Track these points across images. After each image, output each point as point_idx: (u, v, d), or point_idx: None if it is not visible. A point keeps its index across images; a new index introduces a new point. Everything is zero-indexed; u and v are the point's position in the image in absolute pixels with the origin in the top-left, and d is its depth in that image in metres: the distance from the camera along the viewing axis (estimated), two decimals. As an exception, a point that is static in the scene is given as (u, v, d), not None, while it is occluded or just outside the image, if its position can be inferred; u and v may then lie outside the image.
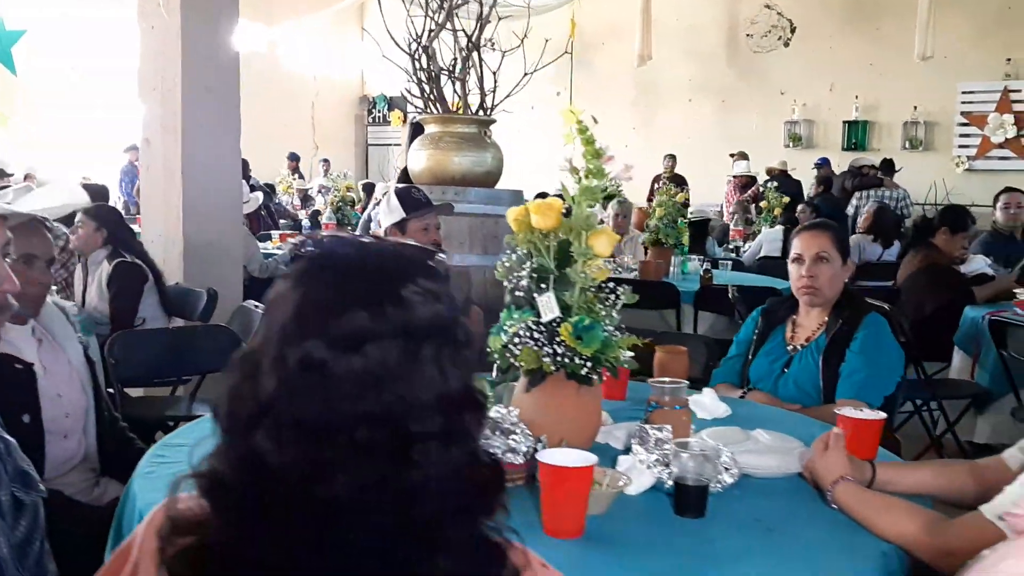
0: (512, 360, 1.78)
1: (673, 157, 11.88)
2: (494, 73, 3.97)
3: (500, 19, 3.89)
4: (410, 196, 2.90)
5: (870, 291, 4.13)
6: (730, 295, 4.45)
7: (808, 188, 10.78)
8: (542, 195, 9.99)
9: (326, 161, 12.68)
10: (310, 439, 0.75)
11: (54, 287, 3.69)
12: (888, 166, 9.58)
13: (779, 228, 6.96)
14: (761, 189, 8.83)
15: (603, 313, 1.81)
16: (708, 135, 13.24)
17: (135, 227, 4.97)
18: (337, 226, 7.45)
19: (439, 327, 0.80)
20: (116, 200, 9.22)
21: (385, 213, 2.96)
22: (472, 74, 3.85)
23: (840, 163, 11.29)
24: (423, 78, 3.78)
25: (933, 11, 10.59)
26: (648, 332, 3.60)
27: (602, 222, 1.90)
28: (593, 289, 1.84)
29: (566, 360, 1.75)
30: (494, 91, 3.90)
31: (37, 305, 2.06)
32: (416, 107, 3.91)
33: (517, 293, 1.83)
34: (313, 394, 0.76)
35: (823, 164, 11.13)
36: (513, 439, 1.64)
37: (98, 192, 6.25)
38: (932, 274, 4.59)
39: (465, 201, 3.69)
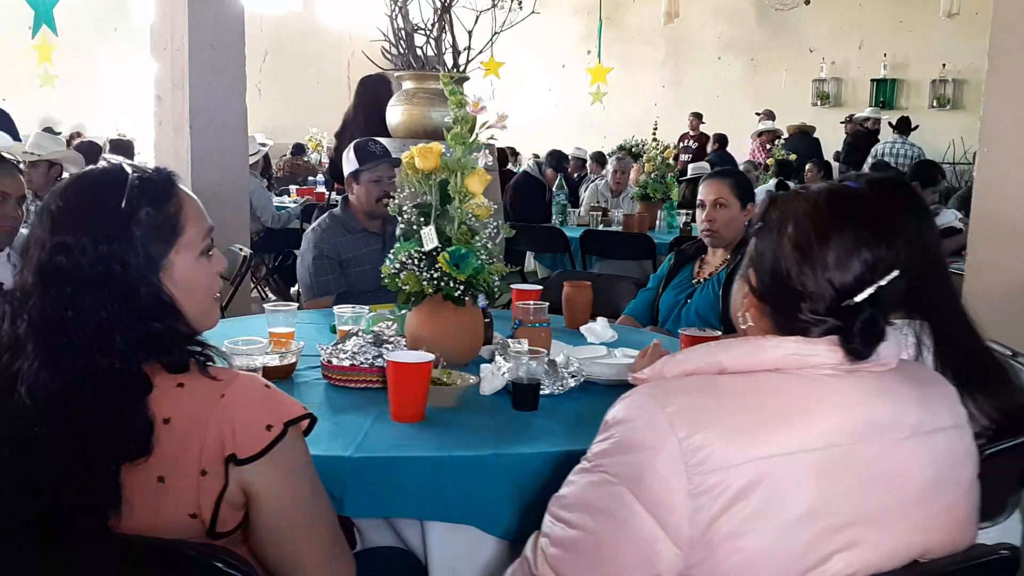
0: (398, 283, 2.07)
1: (699, 115, 11.94)
2: (469, 32, 4.22)
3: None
4: (365, 149, 3.18)
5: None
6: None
7: (839, 145, 10.83)
8: (600, 155, 10.19)
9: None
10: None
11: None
12: (904, 124, 9.58)
13: (772, 182, 7.10)
14: (768, 147, 8.91)
15: (479, 244, 2.09)
16: (737, 93, 13.27)
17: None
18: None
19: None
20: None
21: (346, 164, 3.25)
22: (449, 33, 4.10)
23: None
24: (401, 36, 4.05)
25: (961, -33, 10.46)
26: (607, 276, 3.87)
27: (487, 167, 2.14)
28: (475, 223, 2.13)
29: (442, 284, 2.04)
30: (468, 49, 4.15)
31: (11, 237, 2.41)
32: (394, 64, 4.17)
33: (405, 226, 2.11)
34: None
35: (849, 121, 11.16)
36: (386, 348, 1.93)
37: (124, 147, 6.64)
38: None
39: (436, 153, 3.98)
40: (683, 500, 1.01)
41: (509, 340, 2.04)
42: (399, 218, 2.14)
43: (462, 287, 2.05)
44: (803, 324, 1.11)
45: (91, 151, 6.33)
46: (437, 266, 2.04)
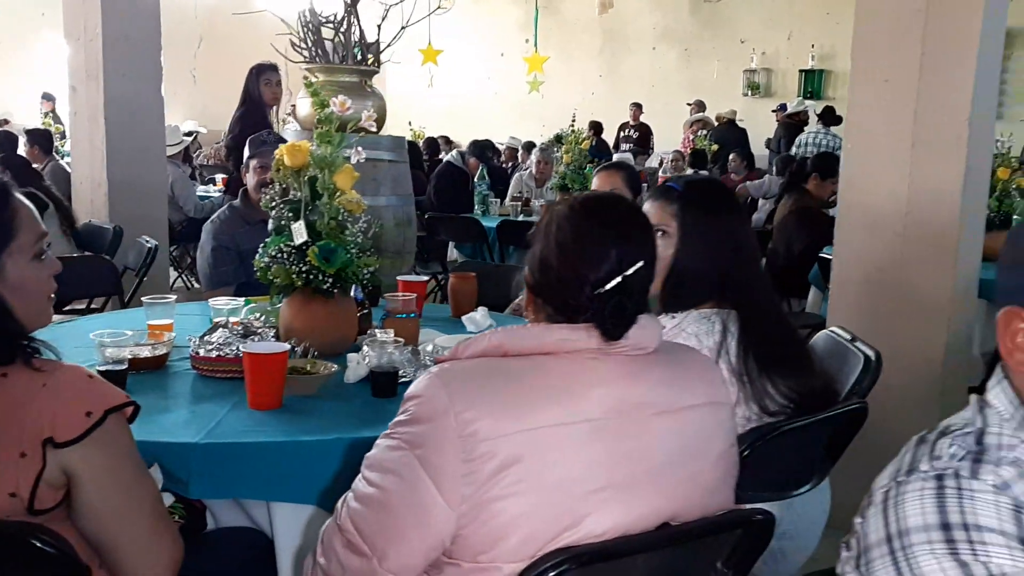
0: (269, 276, 2.15)
1: (639, 106, 12.12)
2: (378, 26, 4.28)
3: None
4: (257, 138, 3.26)
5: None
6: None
7: (766, 136, 11.08)
8: (530, 144, 10.25)
9: (294, 106, 12.93)
10: None
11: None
12: (829, 115, 9.84)
13: (687, 173, 7.28)
14: (692, 137, 9.10)
15: (349, 238, 2.18)
16: (671, 83, 13.47)
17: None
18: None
19: None
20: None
21: (244, 153, 3.32)
22: (358, 27, 4.15)
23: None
24: (308, 29, 4.09)
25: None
26: (508, 267, 3.96)
27: (347, 159, 2.23)
28: (346, 218, 2.21)
29: (311, 277, 2.12)
30: (377, 43, 4.21)
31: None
32: (304, 57, 4.22)
33: (275, 221, 2.19)
34: None
35: (780, 110, 11.42)
36: (252, 339, 2.01)
37: (42, 135, 6.57)
38: (801, 216, 4.94)
39: (343, 146, 4.04)
40: (457, 466, 1.13)
41: (377, 331, 2.13)
42: (270, 213, 2.21)
43: (331, 280, 2.13)
44: (568, 313, 1.23)
45: (7, 140, 6.26)
46: (307, 260, 2.13)
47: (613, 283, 1.20)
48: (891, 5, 2.90)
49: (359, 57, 4.17)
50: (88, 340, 2.01)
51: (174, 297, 2.38)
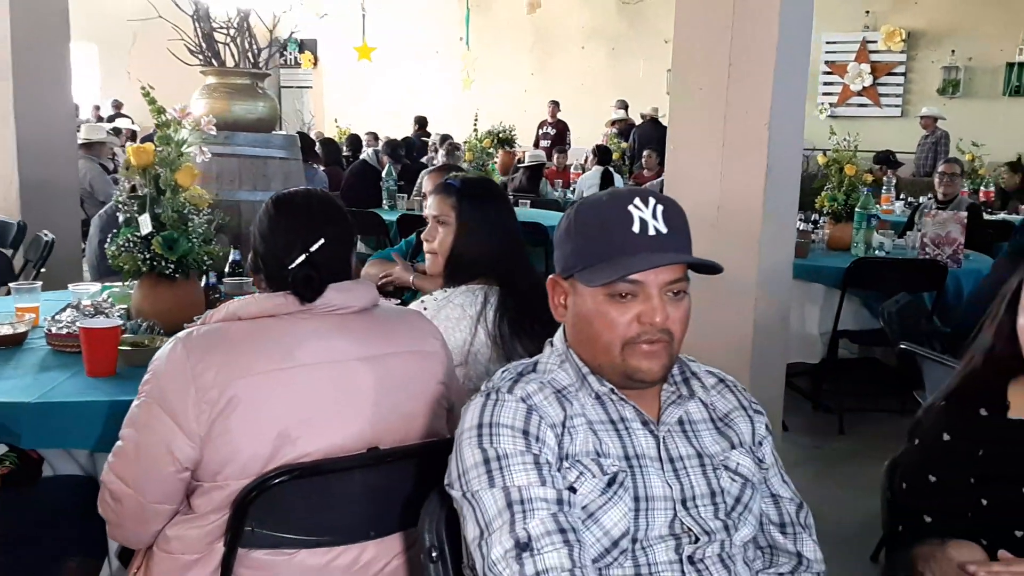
0: (118, 263, 2.43)
1: (556, 103, 12.47)
2: (270, 31, 4.56)
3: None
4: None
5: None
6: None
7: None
8: (446, 137, 10.57)
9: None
10: None
11: None
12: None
13: (596, 170, 7.65)
14: (604, 134, 9.47)
15: (192, 229, 2.47)
16: (599, 80, 13.87)
17: None
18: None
19: None
20: None
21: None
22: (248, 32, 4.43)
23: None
24: (200, 35, 4.36)
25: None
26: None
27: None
28: (193, 212, 2.50)
29: (154, 264, 2.41)
30: (266, 47, 4.49)
31: None
32: (199, 60, 4.48)
33: (128, 214, 2.47)
34: None
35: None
36: (100, 317, 2.30)
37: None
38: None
39: (234, 144, 4.33)
40: (192, 408, 1.44)
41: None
42: (122, 206, 2.49)
43: (173, 266, 2.42)
44: (276, 284, 1.56)
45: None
46: (151, 248, 2.42)
47: (299, 260, 1.54)
48: (703, 22, 3.25)
49: (252, 61, 4.44)
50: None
51: (39, 284, 2.65)
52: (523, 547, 1.12)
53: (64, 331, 2.27)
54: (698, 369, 1.40)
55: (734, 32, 3.18)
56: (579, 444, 1.23)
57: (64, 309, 2.33)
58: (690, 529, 1.24)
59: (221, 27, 4.37)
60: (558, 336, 1.35)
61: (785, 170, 3.33)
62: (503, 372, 1.29)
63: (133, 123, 13.00)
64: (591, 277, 1.25)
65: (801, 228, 4.83)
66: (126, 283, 2.52)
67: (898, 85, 12.09)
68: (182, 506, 1.52)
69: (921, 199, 7.29)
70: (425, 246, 2.23)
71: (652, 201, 1.28)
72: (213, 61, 4.37)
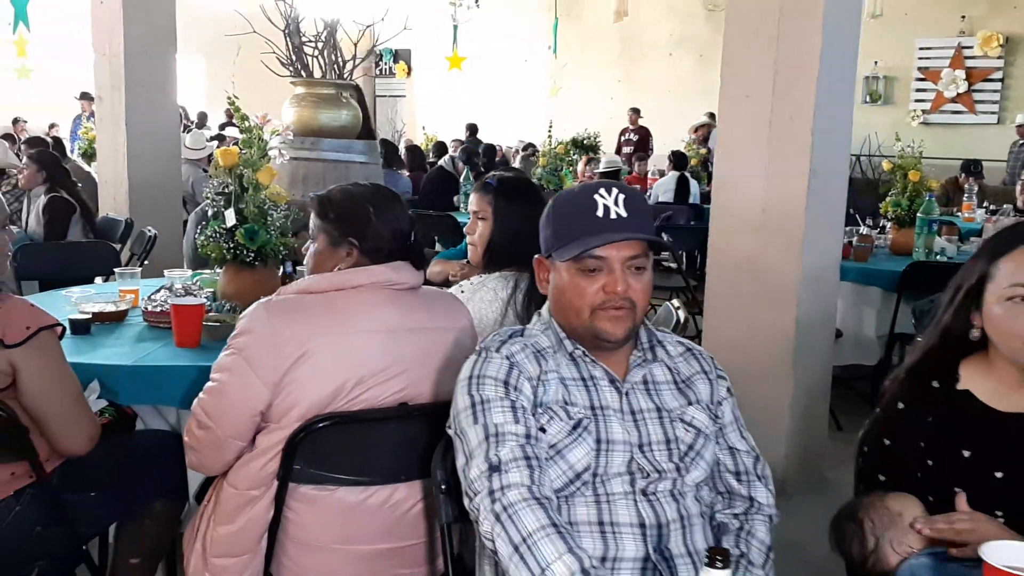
0: (206, 251, 2.76)
1: (636, 110, 12.62)
2: (355, 44, 4.90)
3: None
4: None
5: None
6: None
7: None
8: (530, 144, 10.88)
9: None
10: None
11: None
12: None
13: (672, 175, 7.78)
14: (683, 140, 9.57)
15: (272, 223, 2.78)
16: (687, 88, 13.92)
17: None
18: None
19: None
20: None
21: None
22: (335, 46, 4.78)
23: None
24: (291, 48, 4.74)
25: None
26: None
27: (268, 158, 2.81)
28: (272, 208, 2.82)
29: (237, 252, 2.73)
30: (352, 59, 4.84)
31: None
32: (290, 71, 4.85)
33: (213, 208, 2.80)
34: None
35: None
36: (187, 297, 2.62)
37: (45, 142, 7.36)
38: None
39: (320, 149, 4.69)
40: (270, 359, 1.72)
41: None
42: (211, 201, 2.83)
43: (254, 255, 2.74)
44: (376, 256, 1.86)
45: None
46: (235, 239, 2.73)
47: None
48: (751, 33, 3.43)
49: (339, 72, 4.79)
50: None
51: (139, 270, 3.01)
52: (494, 468, 1.37)
53: (158, 309, 2.61)
54: (665, 338, 1.62)
55: (779, 42, 3.34)
56: (551, 394, 1.48)
57: (159, 291, 2.67)
58: (643, 468, 1.46)
59: (310, 41, 4.71)
60: (545, 307, 1.59)
61: (830, 174, 3.46)
62: (495, 335, 1.54)
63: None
64: (563, 253, 1.50)
65: (863, 232, 4.91)
66: (213, 270, 2.85)
67: (995, 92, 11.79)
68: (249, 445, 1.80)
69: (1004, 207, 7.18)
70: (468, 239, 2.48)
71: (615, 191, 1.50)
72: (302, 72, 4.72)
